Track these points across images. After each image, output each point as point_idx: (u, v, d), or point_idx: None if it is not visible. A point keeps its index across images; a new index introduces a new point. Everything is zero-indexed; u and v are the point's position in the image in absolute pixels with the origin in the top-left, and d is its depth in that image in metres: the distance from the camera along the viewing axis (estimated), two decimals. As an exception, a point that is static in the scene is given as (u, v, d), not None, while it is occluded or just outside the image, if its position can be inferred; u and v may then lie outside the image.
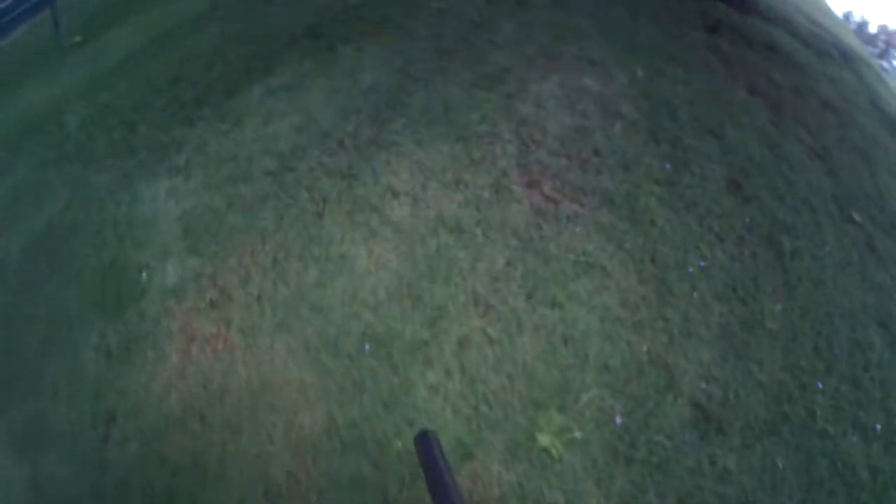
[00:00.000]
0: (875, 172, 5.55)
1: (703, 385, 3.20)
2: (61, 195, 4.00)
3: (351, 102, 4.20)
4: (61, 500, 2.63)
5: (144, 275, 3.27)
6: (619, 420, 2.91)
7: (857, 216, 4.81)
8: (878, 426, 3.29)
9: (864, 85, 8.98)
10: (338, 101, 4.22)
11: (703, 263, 3.86)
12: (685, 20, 7.27)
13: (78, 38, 6.12)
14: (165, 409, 2.76)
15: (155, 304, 3.15)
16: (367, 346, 2.89)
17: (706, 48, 6.70)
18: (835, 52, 10.31)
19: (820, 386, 3.35)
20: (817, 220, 4.57)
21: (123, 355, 3.00)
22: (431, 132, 3.98)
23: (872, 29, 28.43)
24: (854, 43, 16.40)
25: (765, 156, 4.99)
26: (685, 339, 3.32)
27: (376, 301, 3.05)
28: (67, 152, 4.39)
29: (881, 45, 28.33)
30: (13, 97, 5.72)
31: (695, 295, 3.62)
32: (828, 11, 18.19)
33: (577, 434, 2.76)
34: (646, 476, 2.71)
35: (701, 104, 5.30)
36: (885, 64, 24.12)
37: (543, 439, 2.70)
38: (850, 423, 3.24)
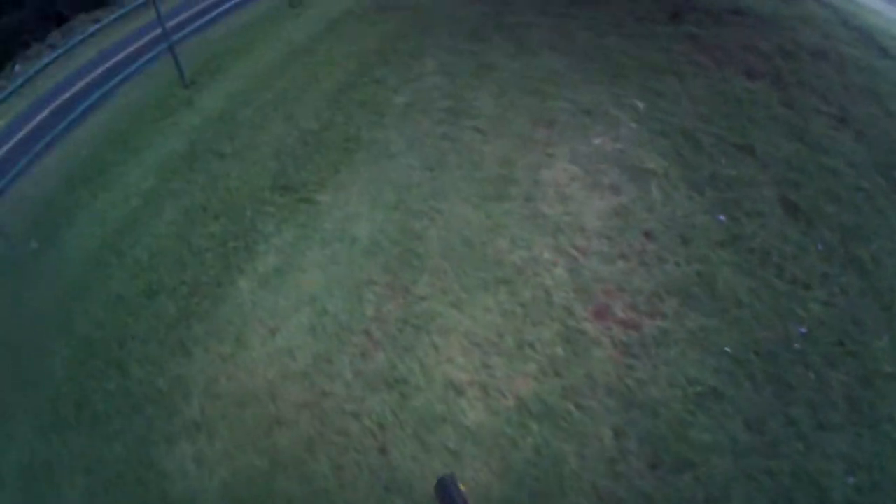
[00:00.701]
0: (889, 110, 5.05)
1: (851, 480, 2.65)
2: (77, 483, 3.32)
3: (357, 272, 3.57)
4: None
5: None
6: None
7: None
8: None
9: (830, 8, 8.51)
10: (341, 274, 3.59)
11: (803, 330, 3.33)
12: (644, 17, 6.73)
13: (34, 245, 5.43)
14: None
15: None
16: None
17: (682, 42, 6.21)
18: None
19: None
20: (876, 206, 4.04)
21: None
22: (466, 284, 3.38)
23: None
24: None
25: (799, 151, 4.48)
26: (820, 437, 2.77)
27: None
28: (64, 416, 3.70)
29: None
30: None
31: (811, 375, 3.08)
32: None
33: None
34: None
35: (714, 116, 4.81)
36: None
37: None
38: None
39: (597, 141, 4.63)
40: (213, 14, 8.31)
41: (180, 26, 8.18)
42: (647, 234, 3.69)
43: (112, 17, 7.14)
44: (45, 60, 6.43)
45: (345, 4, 8.08)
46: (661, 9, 7.08)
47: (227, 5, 8.38)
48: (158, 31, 6.79)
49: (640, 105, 5.04)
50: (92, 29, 7.06)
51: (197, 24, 7.79)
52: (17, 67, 17.18)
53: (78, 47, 7.51)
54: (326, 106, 5.25)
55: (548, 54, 5.78)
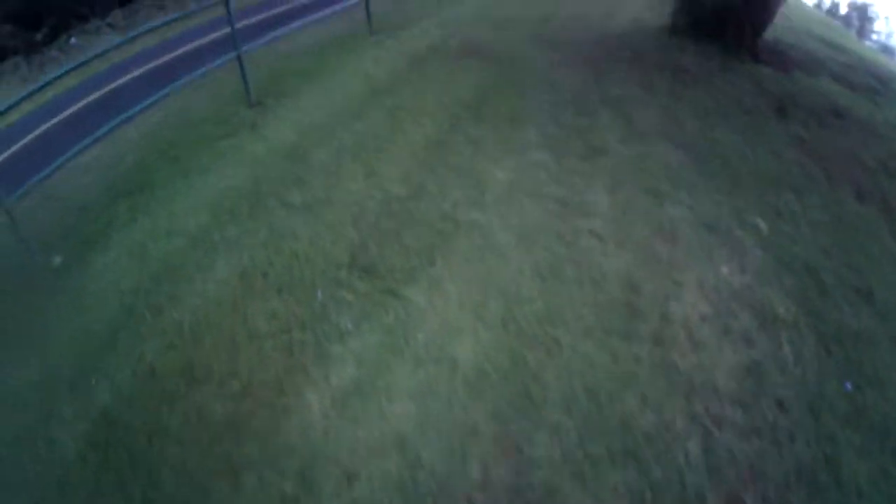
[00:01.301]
0: None
1: None
2: None
3: (460, 413, 2.85)
4: None
5: None
6: None
7: None
8: None
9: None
10: (439, 413, 2.86)
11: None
12: (751, 109, 6.08)
13: (58, 260, 4.66)
14: None
15: None
16: None
17: (791, 146, 5.67)
18: (873, 80, 9.33)
19: None
20: None
21: None
22: (591, 451, 2.65)
23: (843, 9, 28.00)
24: (852, 42, 15.47)
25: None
26: None
27: None
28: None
29: (856, 22, 27.87)
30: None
31: None
32: (815, 16, 17.30)
33: None
34: None
35: (833, 249, 4.23)
36: (867, 42, 23.56)
37: None
38: None
39: (724, 269, 3.97)
40: (291, 26, 7.63)
41: (251, 33, 7.53)
42: (780, 404, 3.07)
43: (176, 15, 6.39)
44: (106, 46, 5.70)
45: (427, 39, 7.46)
46: (765, 101, 6.52)
47: (305, 19, 7.69)
48: (227, 30, 6.10)
49: (763, 226, 4.42)
50: (157, 22, 6.30)
51: (271, 35, 7.09)
52: (73, 40, 16.51)
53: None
54: (415, 166, 4.54)
55: (659, 143, 5.12)
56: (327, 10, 7.99)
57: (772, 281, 3.86)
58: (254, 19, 10.82)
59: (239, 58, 6.16)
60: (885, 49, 28.69)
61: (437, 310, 3.32)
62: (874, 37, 29.31)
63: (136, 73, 8.94)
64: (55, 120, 7.98)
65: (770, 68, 7.77)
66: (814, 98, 7.10)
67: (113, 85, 8.65)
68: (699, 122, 5.69)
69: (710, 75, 6.76)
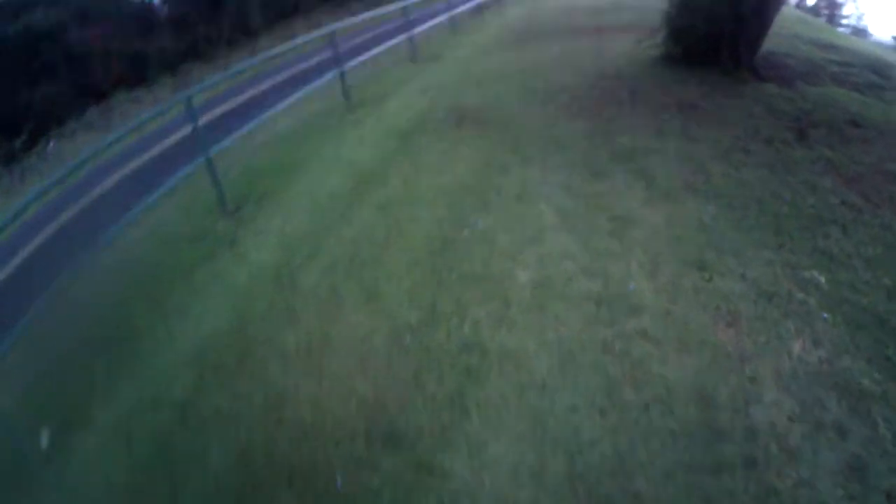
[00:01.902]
0: None
1: None
2: None
3: None
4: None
5: None
6: None
7: None
8: None
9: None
10: None
11: None
12: (771, 138, 5.55)
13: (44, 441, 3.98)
14: None
15: None
16: None
17: (822, 172, 5.15)
18: (873, 76, 8.86)
19: None
20: None
21: None
22: None
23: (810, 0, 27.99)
24: (836, 36, 15.06)
25: None
26: None
27: None
28: None
29: (825, 11, 27.82)
30: None
31: None
32: (791, 14, 17.00)
33: None
34: None
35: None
36: (840, 29, 23.36)
37: None
38: None
39: (797, 348, 3.33)
40: (261, 117, 7.11)
41: (216, 126, 7.05)
42: (889, 496, 2.47)
43: (151, 113, 5.83)
44: (84, 156, 5.11)
45: (410, 111, 6.94)
46: (782, 124, 5.98)
47: (275, 108, 7.19)
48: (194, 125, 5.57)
49: (821, 280, 3.83)
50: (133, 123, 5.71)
51: (239, 132, 6.57)
52: (51, 145, 16.20)
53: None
54: (422, 279, 3.90)
55: (687, 198, 4.51)
56: (299, 93, 7.45)
57: (848, 347, 3.23)
58: (223, 108, 10.44)
59: (209, 162, 5.61)
60: (857, 31, 28.61)
61: (485, 483, 2.62)
62: (844, 21, 29.30)
63: (115, 177, 8.46)
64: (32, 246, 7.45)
65: (773, 84, 7.26)
66: (827, 110, 6.61)
67: (92, 193, 8.15)
68: (723, 165, 5.10)
69: (720, 107, 6.22)
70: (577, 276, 3.72)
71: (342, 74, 7.98)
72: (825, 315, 3.52)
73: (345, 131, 7.01)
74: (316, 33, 8.81)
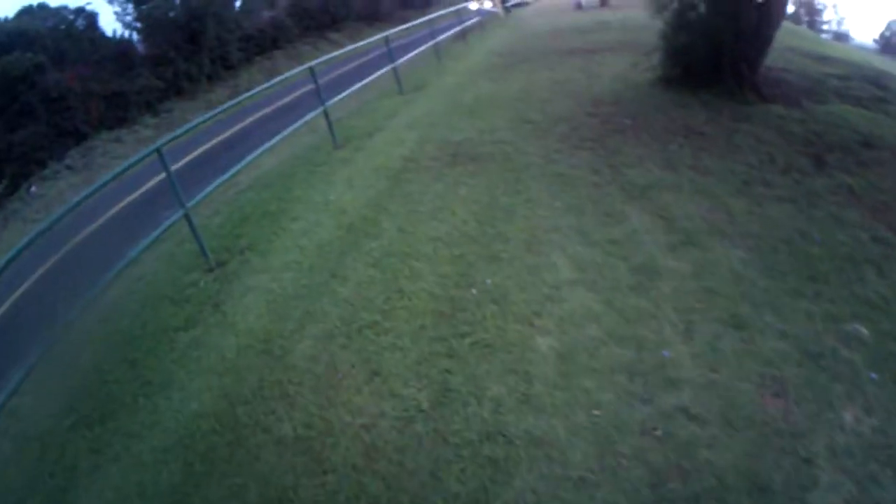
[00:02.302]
0: None
1: None
2: None
3: None
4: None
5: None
6: None
7: None
8: None
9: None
10: None
11: None
12: (788, 167, 5.31)
13: None
14: None
15: None
16: None
17: (845, 203, 4.96)
18: (874, 88, 8.76)
19: None
20: None
21: None
22: None
23: (790, 7, 28.35)
24: (825, 46, 15.04)
25: None
26: None
27: None
28: None
29: (805, 17, 28.19)
30: None
31: None
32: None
33: None
34: None
35: None
36: (822, 35, 23.60)
37: None
38: None
39: (848, 418, 3.03)
40: (242, 161, 6.69)
41: (198, 166, 6.64)
42: None
43: (128, 162, 5.33)
44: (63, 209, 4.63)
45: (401, 147, 6.59)
46: (796, 150, 5.73)
47: (254, 153, 6.78)
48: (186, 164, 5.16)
49: (864, 332, 3.50)
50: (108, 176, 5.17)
51: (220, 178, 6.15)
52: (33, 189, 15.63)
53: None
54: (429, 350, 3.50)
55: (713, 243, 4.18)
56: (284, 132, 7.07)
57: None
58: (206, 146, 10.05)
59: (188, 218, 5.18)
60: (839, 36, 28.99)
61: None
62: (825, 27, 29.68)
63: (95, 225, 7.97)
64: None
65: (779, 104, 7.03)
66: (838, 131, 6.40)
67: (74, 240, 7.66)
68: (744, 201, 4.80)
69: (729, 133, 5.94)
70: (604, 343, 3.34)
71: (325, 113, 7.61)
72: (873, 375, 3.19)
73: (333, 171, 6.62)
74: (297, 69, 8.42)
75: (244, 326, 4.28)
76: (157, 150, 4.88)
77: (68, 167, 15.60)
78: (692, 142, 5.69)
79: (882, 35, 35.89)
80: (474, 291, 3.86)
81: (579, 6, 24.68)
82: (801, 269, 3.97)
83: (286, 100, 13.26)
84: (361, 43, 10.48)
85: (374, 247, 4.69)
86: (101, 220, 8.37)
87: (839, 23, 28.98)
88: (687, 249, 4.12)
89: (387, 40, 10.32)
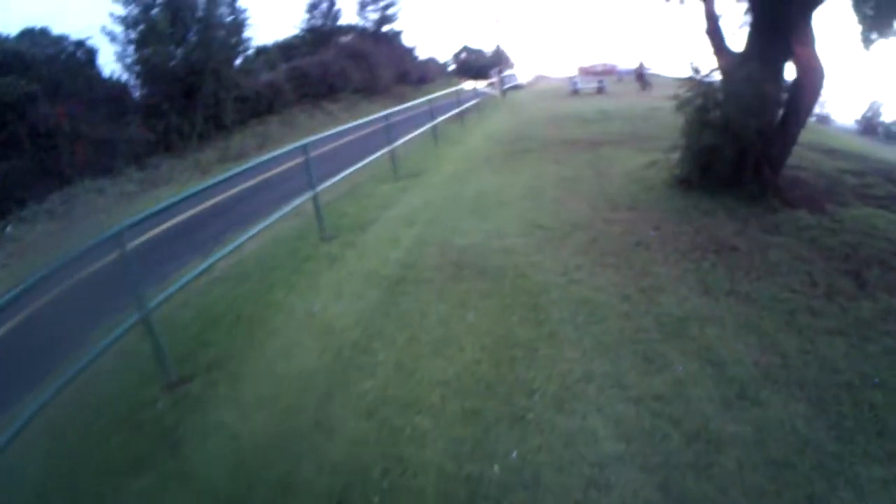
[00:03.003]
0: None
1: None
2: None
3: None
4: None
5: None
6: None
7: None
8: None
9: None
10: None
11: None
12: (830, 289, 4.95)
13: None
14: None
15: None
16: None
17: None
18: (888, 184, 8.41)
19: None
20: None
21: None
22: None
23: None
24: (825, 135, 15.15)
25: None
26: None
27: None
28: None
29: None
30: None
31: None
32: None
33: None
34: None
35: None
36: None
37: None
38: None
39: None
40: (212, 259, 5.98)
41: (167, 247, 5.91)
42: None
43: (86, 246, 4.55)
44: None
45: (396, 248, 6.00)
46: (836, 268, 5.32)
47: (238, 228, 6.11)
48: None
49: None
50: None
51: (185, 279, 5.42)
52: (9, 229, 14.65)
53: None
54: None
55: (769, 395, 3.57)
56: (267, 220, 6.42)
57: None
58: (178, 219, 9.36)
59: (147, 324, 4.44)
60: (822, 119, 29.80)
61: None
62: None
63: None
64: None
65: (805, 210, 6.60)
66: (871, 242, 6.01)
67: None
68: (794, 337, 4.23)
69: (762, 248, 5.44)
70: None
71: (315, 198, 7.04)
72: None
73: (319, 271, 5.96)
74: (286, 147, 7.83)
75: (206, 486, 3.45)
76: (118, 235, 4.22)
77: (48, 212, 14.78)
78: (725, 259, 5.15)
79: (864, 116, 37.15)
80: (497, 469, 3.10)
81: (576, 91, 25.19)
82: (868, 423, 3.40)
83: (275, 171, 12.73)
84: (360, 121, 10.02)
85: (367, 388, 3.95)
86: (47, 299, 7.47)
87: (821, 105, 29.88)
88: (743, 406, 3.46)
89: (386, 120, 9.93)
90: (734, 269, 5.05)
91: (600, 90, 25.72)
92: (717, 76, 6.78)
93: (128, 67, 20.39)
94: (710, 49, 7.19)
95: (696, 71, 6.69)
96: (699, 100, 6.44)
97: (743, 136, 6.15)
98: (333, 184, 8.13)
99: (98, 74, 20.43)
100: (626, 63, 37.58)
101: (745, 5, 6.98)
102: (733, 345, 4.08)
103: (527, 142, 11.39)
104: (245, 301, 5.85)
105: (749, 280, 4.93)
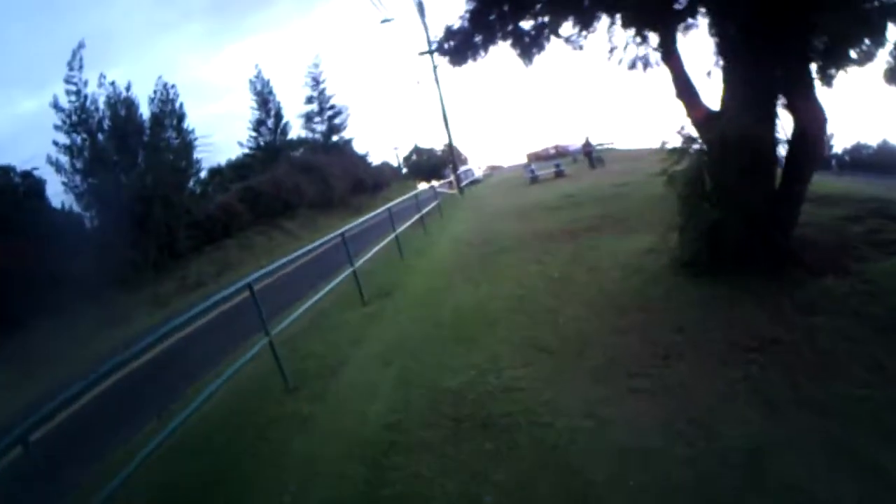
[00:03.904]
0: None
1: None
2: None
3: None
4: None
5: None
6: None
7: None
8: None
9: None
10: None
11: None
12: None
13: None
14: None
15: None
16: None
17: None
18: (893, 224, 7.96)
19: None
20: None
21: None
22: None
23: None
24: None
25: None
26: None
27: None
28: None
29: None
30: None
31: None
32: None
33: None
34: None
35: None
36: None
37: None
38: None
39: None
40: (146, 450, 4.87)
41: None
42: None
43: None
44: None
45: (378, 402, 5.05)
46: (882, 350, 4.59)
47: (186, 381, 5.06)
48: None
49: None
50: None
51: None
52: None
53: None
54: None
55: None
56: (218, 381, 5.40)
57: None
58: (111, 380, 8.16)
59: None
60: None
61: None
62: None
63: None
64: None
65: (830, 275, 5.94)
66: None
67: None
68: (891, 447, 3.30)
69: (808, 335, 4.72)
70: None
71: (272, 345, 6.09)
72: None
73: (287, 439, 4.94)
74: (238, 284, 6.86)
75: None
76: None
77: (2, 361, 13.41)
78: (772, 357, 4.37)
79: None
80: None
81: (535, 179, 25.33)
82: None
83: (230, 304, 11.63)
84: (315, 243, 9.15)
85: None
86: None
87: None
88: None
89: (343, 238, 9.17)
90: (788, 370, 4.25)
91: (559, 174, 25.96)
92: (697, 140, 6.29)
93: (78, 197, 19.92)
94: (685, 111, 6.77)
95: (686, 138, 6.18)
96: (691, 171, 5.88)
97: (748, 203, 5.55)
98: (296, 314, 7.23)
99: (48, 206, 19.73)
100: (576, 141, 38.70)
101: (715, 59, 6.63)
102: (827, 479, 3.16)
103: (499, 240, 10.76)
104: (198, 493, 4.73)
105: (810, 380, 4.11)
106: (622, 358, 4.77)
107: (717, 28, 5.81)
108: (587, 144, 30.39)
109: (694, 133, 6.37)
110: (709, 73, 6.71)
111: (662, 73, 7.01)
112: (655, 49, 7.07)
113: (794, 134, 6.03)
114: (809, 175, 6.23)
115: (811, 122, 5.95)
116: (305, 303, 7.74)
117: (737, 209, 5.62)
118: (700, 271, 6.09)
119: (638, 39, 7.08)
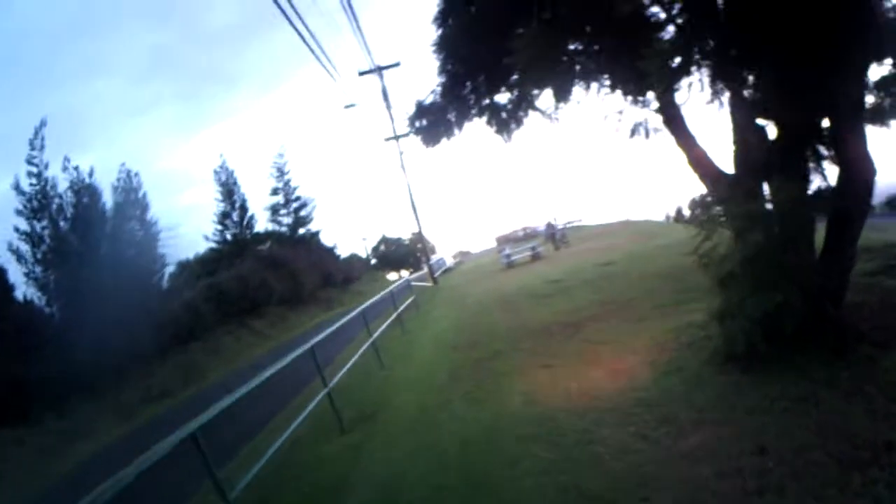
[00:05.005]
0: None
1: None
2: None
3: None
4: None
5: None
6: None
7: None
8: None
9: None
10: None
11: None
12: None
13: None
14: None
15: None
16: None
17: None
18: None
19: None
20: None
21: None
22: None
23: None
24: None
25: None
26: None
27: None
28: None
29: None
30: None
31: None
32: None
33: None
34: None
35: None
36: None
37: None
38: None
39: None
40: None
41: None
42: None
43: None
44: None
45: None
46: None
47: None
48: None
49: None
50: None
51: None
52: None
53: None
54: None
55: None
56: None
57: None
58: None
59: None
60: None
61: None
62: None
63: None
64: None
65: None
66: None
67: None
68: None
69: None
70: None
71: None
72: None
73: None
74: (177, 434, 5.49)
75: None
76: None
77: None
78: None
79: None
80: None
81: (511, 264, 24.85)
82: None
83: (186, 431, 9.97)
84: (285, 361, 7.84)
85: None
86: None
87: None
88: None
89: (313, 353, 7.95)
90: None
91: (535, 257, 25.53)
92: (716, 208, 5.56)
93: (40, 290, 18.67)
94: (701, 180, 6.11)
95: (703, 205, 5.43)
96: (746, 249, 5.07)
97: (802, 278, 4.75)
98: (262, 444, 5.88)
99: (11, 298, 18.13)
100: (543, 220, 39.10)
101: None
102: None
103: (490, 341, 9.69)
104: None
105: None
106: (703, 501, 3.68)
107: (728, 81, 5.20)
108: (551, 227, 30.86)
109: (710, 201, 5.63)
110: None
111: (666, 139, 6.43)
112: (656, 112, 6.50)
113: (840, 187, 5.37)
114: (859, 233, 5.52)
115: (860, 176, 5.32)
116: (273, 441, 6.40)
117: (798, 287, 4.78)
118: (750, 365, 5.15)
119: (635, 101, 6.51)
